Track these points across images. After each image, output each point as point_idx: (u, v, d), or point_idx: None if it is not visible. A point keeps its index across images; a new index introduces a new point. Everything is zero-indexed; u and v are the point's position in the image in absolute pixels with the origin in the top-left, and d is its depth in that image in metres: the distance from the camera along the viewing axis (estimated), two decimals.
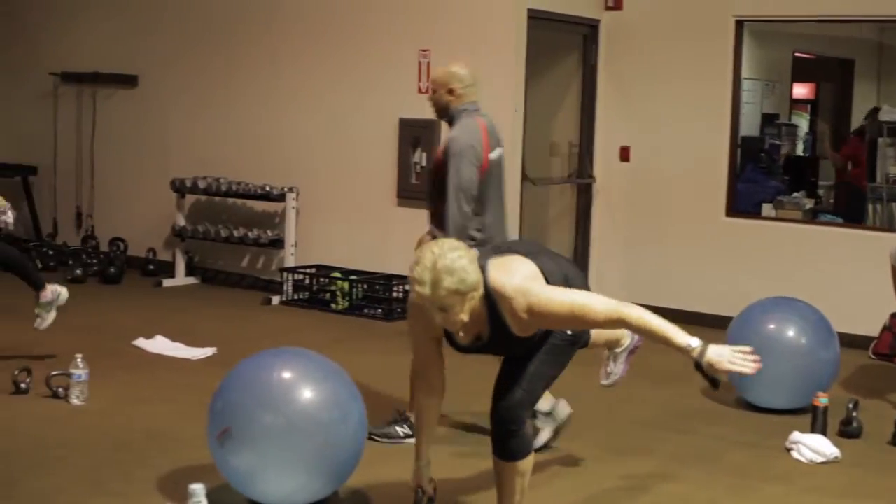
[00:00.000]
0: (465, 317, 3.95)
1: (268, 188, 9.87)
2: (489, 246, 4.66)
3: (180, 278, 10.45)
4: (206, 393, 5.03)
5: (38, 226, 11.93)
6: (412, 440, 5.34)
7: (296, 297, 9.64)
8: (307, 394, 4.61)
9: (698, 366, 3.79)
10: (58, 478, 5.23)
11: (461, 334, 4.16)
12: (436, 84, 5.76)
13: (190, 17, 10.74)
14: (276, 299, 9.64)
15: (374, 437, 5.65)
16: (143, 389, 6.78)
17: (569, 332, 4.27)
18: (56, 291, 7.00)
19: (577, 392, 5.96)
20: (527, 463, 4.32)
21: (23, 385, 6.56)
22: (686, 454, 5.86)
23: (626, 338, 5.18)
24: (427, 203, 5.89)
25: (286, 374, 4.68)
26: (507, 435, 4.25)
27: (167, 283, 10.27)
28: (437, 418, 4.52)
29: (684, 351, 3.81)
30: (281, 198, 9.79)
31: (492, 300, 4.02)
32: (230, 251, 10.45)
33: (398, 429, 5.81)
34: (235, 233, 10.05)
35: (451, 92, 5.68)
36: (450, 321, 3.97)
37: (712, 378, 3.80)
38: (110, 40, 11.36)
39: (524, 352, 4.23)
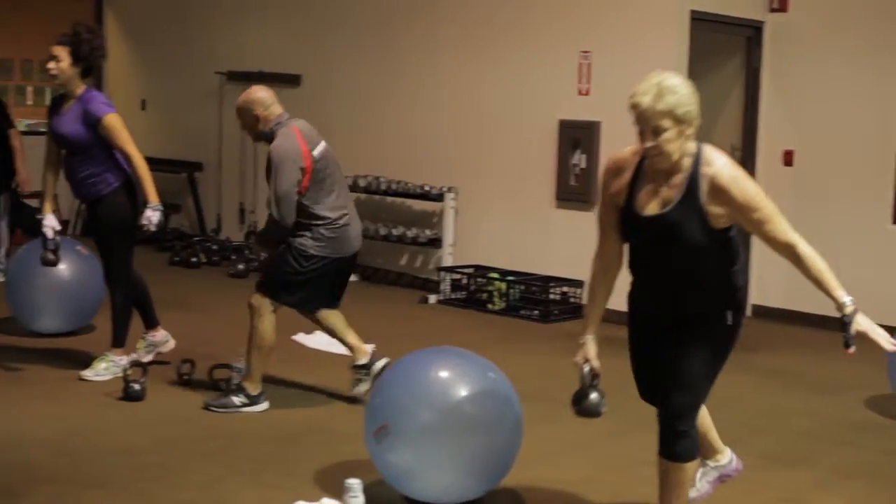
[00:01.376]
0: (673, 150, 3.93)
1: (427, 188, 9.94)
2: None
3: None
4: None
5: (203, 221, 12.21)
6: (250, 409, 6.20)
7: (453, 296, 9.70)
8: (464, 392, 4.63)
9: (845, 325, 3.89)
10: (220, 468, 5.35)
11: (649, 203, 4.06)
12: (240, 114, 6.30)
13: (353, 17, 10.87)
14: (433, 298, 9.70)
15: (213, 409, 6.20)
16: (303, 384, 6.89)
17: (729, 322, 4.19)
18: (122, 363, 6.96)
19: (739, 397, 5.89)
20: (694, 465, 4.27)
21: (186, 376, 6.73)
22: (848, 467, 5.73)
23: (725, 455, 4.93)
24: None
25: (443, 373, 4.71)
26: (676, 436, 4.19)
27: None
28: (608, 297, 4.35)
29: (839, 305, 3.92)
30: (440, 197, 9.85)
31: (696, 171, 3.99)
32: (389, 249, 10.55)
33: (234, 398, 6.24)
34: (394, 231, 10.14)
35: (256, 118, 6.21)
36: (657, 151, 3.93)
37: (848, 340, 3.89)
38: (275, 41, 11.58)
39: (685, 263, 4.09)
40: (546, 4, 9.55)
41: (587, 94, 9.27)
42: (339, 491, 4.60)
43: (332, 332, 6.53)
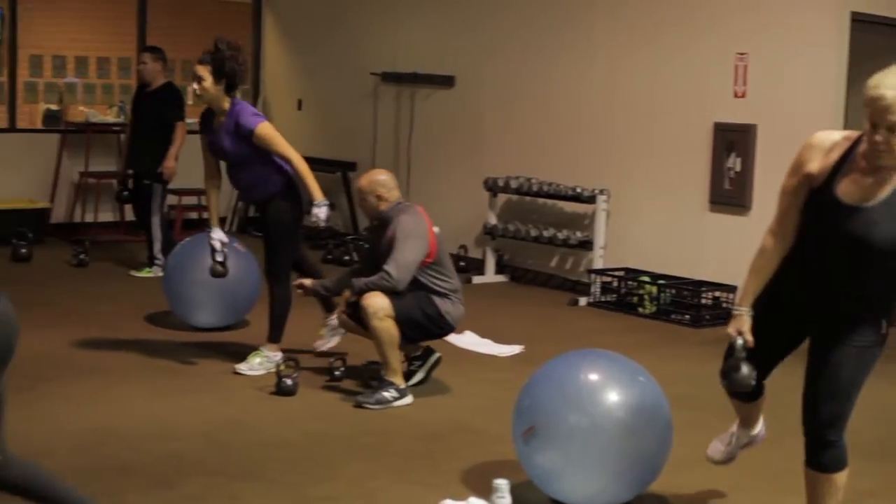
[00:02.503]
0: None
1: (579, 189, 9.90)
2: None
3: (490, 276, 10.60)
4: (513, 389, 5.09)
5: (356, 220, 12.34)
6: (401, 402, 6.31)
7: (603, 299, 9.64)
8: (614, 396, 4.61)
9: None
10: (370, 464, 5.40)
11: (851, 192, 3.95)
12: (363, 194, 6.62)
13: (507, 18, 10.88)
14: (583, 300, 9.66)
15: (367, 406, 6.29)
16: (452, 383, 6.91)
17: (883, 331, 4.09)
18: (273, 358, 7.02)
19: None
20: (843, 476, 4.18)
21: (337, 373, 6.81)
22: None
23: (759, 425, 4.86)
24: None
25: (593, 376, 4.69)
26: (824, 446, 4.11)
27: (476, 279, 10.44)
28: (770, 274, 4.18)
29: None
30: (591, 199, 9.80)
31: None
32: (539, 251, 10.53)
33: (386, 394, 6.35)
34: (545, 233, 10.12)
35: (378, 197, 6.55)
36: (887, 147, 3.80)
37: None
38: (429, 42, 11.65)
39: (863, 262, 3.98)
40: (704, 5, 9.42)
41: (743, 96, 9.12)
42: (486, 491, 4.61)
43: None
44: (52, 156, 12.25)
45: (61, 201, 12.33)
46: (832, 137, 4.06)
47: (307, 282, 6.98)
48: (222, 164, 7.09)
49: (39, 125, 12.50)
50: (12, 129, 12.34)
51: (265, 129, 6.72)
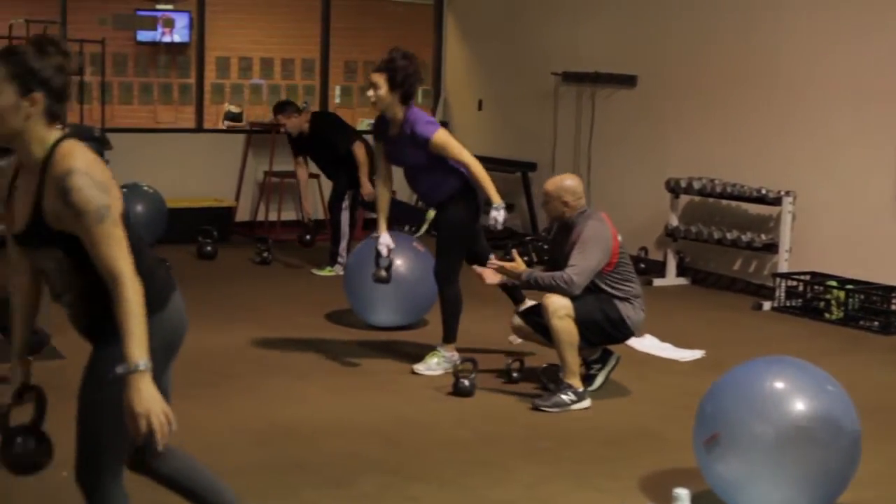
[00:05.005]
0: None
1: (764, 191, 9.66)
2: None
3: (671, 278, 10.43)
4: (694, 396, 4.97)
5: (535, 221, 12.28)
6: (578, 405, 6.25)
7: (788, 303, 9.38)
8: (800, 406, 4.44)
9: None
10: (546, 468, 5.34)
11: None
12: (549, 198, 6.52)
13: (692, 17, 10.69)
14: (767, 305, 9.41)
15: (544, 409, 6.22)
16: (632, 387, 6.80)
17: None
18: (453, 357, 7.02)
19: None
20: None
21: (515, 374, 6.76)
22: None
23: None
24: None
25: (779, 384, 4.53)
26: None
27: (657, 282, 10.28)
28: None
29: None
30: (777, 201, 9.55)
31: None
32: (722, 253, 10.32)
33: (564, 396, 6.27)
34: (728, 235, 9.90)
35: (565, 204, 6.47)
36: None
37: None
38: (611, 41, 11.52)
39: None
40: None
41: None
42: (665, 499, 4.50)
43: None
44: (237, 156, 12.51)
45: (246, 200, 12.57)
46: None
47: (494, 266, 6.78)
48: (396, 168, 7.16)
49: (222, 125, 12.79)
50: (199, 129, 12.64)
51: (441, 137, 6.75)
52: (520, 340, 7.01)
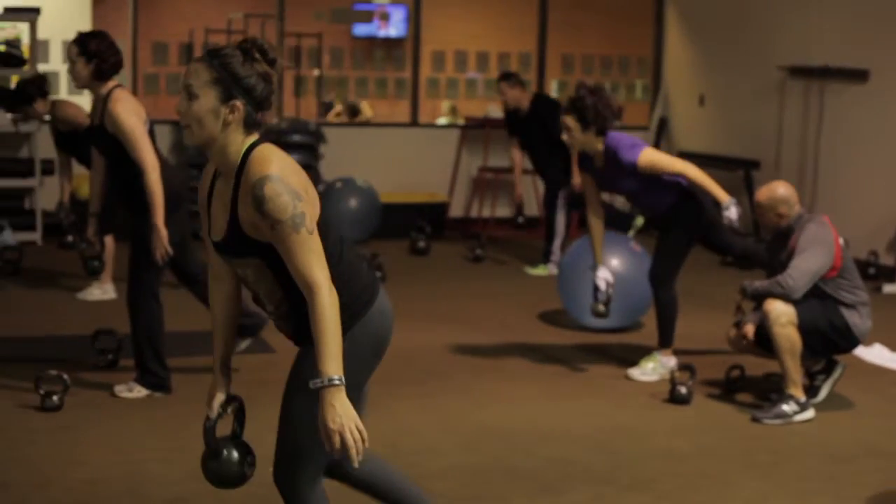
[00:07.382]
0: None
1: None
2: None
3: None
4: None
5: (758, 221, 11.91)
6: (801, 416, 5.97)
7: None
8: None
9: None
10: (766, 483, 5.08)
11: None
12: (762, 209, 6.27)
13: None
14: None
15: (765, 421, 5.94)
16: (858, 399, 6.44)
17: None
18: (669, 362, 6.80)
19: None
20: None
21: (736, 381, 6.49)
22: None
23: None
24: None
25: None
26: None
27: (887, 288, 9.75)
28: None
29: None
30: None
31: None
32: None
33: (785, 407, 5.99)
34: None
35: (779, 215, 6.21)
36: None
37: None
38: (841, 33, 11.04)
39: None
40: None
41: None
42: None
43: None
44: (451, 150, 12.45)
45: (460, 196, 12.52)
46: None
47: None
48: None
49: (441, 121, 12.79)
50: (414, 123, 12.64)
51: (647, 158, 6.54)
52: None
